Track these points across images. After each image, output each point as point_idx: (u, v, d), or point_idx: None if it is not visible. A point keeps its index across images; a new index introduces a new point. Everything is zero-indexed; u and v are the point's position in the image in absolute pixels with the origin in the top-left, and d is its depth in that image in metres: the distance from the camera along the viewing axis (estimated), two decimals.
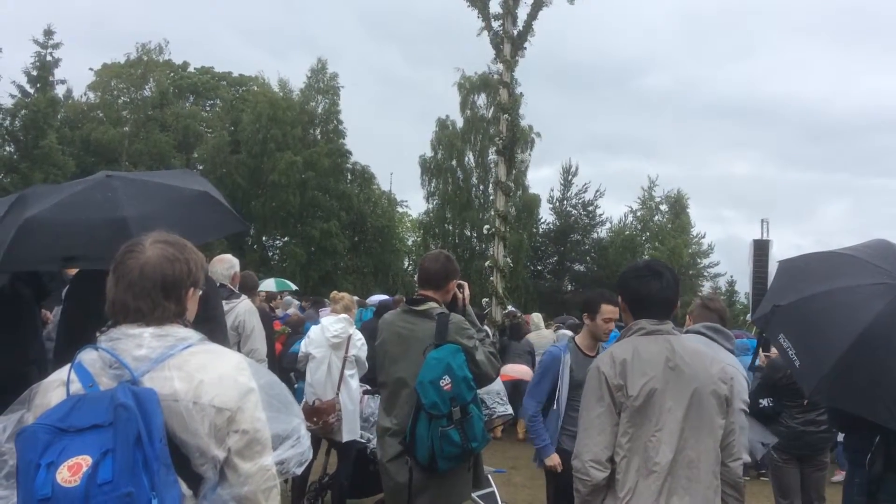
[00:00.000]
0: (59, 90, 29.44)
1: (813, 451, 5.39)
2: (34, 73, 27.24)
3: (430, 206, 34.86)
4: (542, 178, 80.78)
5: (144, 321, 1.69)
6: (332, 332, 5.76)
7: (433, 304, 3.50)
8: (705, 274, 37.04)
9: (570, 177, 34.64)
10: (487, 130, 31.43)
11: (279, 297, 14.10)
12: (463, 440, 3.25)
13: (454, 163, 34.28)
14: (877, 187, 57.16)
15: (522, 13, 12.40)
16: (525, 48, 12.50)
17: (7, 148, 27.61)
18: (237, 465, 1.66)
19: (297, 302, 14.05)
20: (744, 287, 32.27)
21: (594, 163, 65.76)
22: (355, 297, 8.51)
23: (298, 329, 8.60)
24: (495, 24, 12.49)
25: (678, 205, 36.58)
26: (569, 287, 34.71)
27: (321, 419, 5.53)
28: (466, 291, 3.72)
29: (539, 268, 35.22)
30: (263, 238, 34.17)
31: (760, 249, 11.10)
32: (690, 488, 2.52)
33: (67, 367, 1.66)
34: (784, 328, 3.05)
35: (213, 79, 38.79)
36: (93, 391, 1.59)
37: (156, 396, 1.57)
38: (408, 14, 59.98)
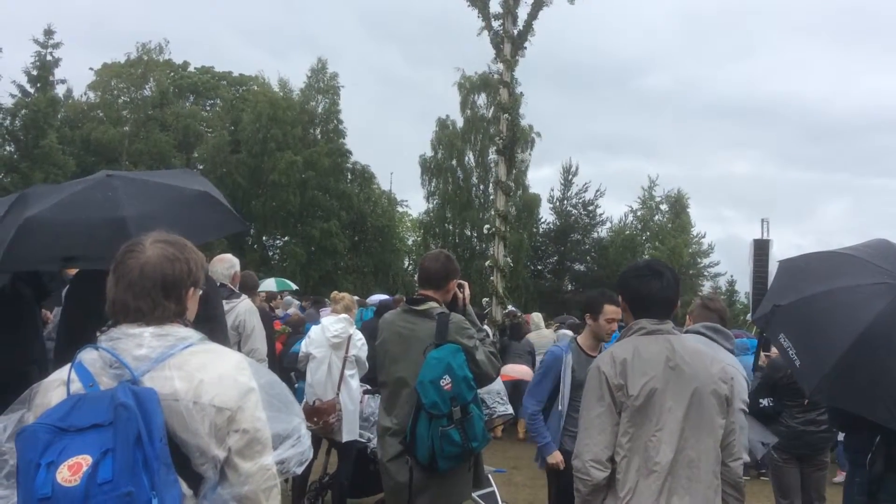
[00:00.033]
0: (60, 90, 29.46)
1: (813, 451, 5.39)
2: (34, 72, 27.22)
3: (431, 205, 34.89)
4: (542, 178, 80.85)
5: (145, 321, 1.69)
6: (333, 332, 5.76)
7: (433, 304, 3.50)
8: (705, 274, 37.06)
9: (570, 176, 34.65)
10: (487, 130, 31.41)
11: (279, 296, 14.10)
12: (463, 440, 3.25)
13: (454, 162, 34.28)
14: (877, 187, 57.19)
15: (523, 13, 12.41)
16: (525, 48, 12.50)
17: (7, 147, 27.61)
18: (237, 464, 1.66)
19: (297, 302, 14.05)
20: (744, 287, 32.29)
21: (594, 162, 65.89)
22: (356, 297, 8.52)
23: (299, 329, 8.59)
24: (495, 24, 12.48)
25: (678, 204, 36.58)
26: (569, 287, 34.70)
27: (321, 419, 5.53)
28: (467, 291, 3.72)
29: (539, 267, 35.21)
30: (264, 238, 34.17)
31: (761, 249, 11.10)
32: (691, 488, 2.52)
33: (68, 366, 1.66)
34: (784, 328, 3.05)
35: (213, 78, 38.79)
36: (93, 391, 1.59)
37: (156, 396, 1.57)
38: (408, 14, 60.03)
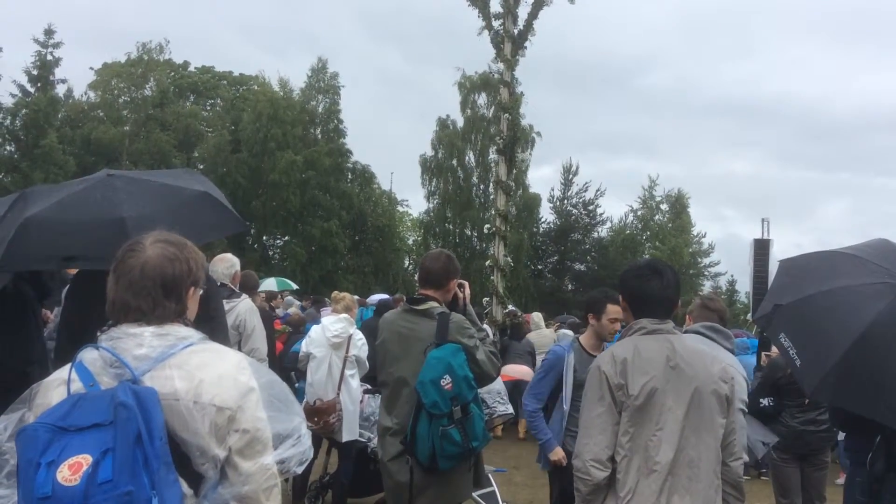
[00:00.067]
0: (60, 89, 29.50)
1: (813, 451, 5.38)
2: (35, 72, 27.27)
3: (431, 205, 34.91)
4: (542, 178, 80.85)
5: (145, 320, 1.69)
6: (333, 332, 5.76)
7: (434, 304, 3.50)
8: (706, 273, 37.10)
9: (570, 176, 34.66)
10: (488, 130, 31.40)
11: (280, 296, 14.10)
12: (464, 439, 3.25)
13: (455, 162, 34.29)
14: (877, 186, 57.27)
15: (523, 12, 12.38)
16: (526, 47, 12.47)
17: (7, 147, 27.64)
18: (238, 464, 1.66)
19: (297, 301, 14.05)
20: (744, 286, 32.32)
21: (594, 162, 65.94)
22: (356, 297, 8.52)
23: (299, 328, 8.60)
24: (496, 24, 12.47)
25: (678, 204, 36.61)
26: (569, 286, 34.70)
27: (322, 419, 5.53)
28: (467, 291, 3.71)
29: (539, 267, 35.21)
30: (264, 237, 34.18)
31: (761, 249, 11.11)
32: (691, 488, 2.52)
33: (68, 366, 1.66)
34: (785, 327, 3.05)
35: (213, 78, 38.81)
36: (93, 390, 1.59)
37: (156, 395, 1.57)
38: (408, 13, 60.07)
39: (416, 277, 6.61)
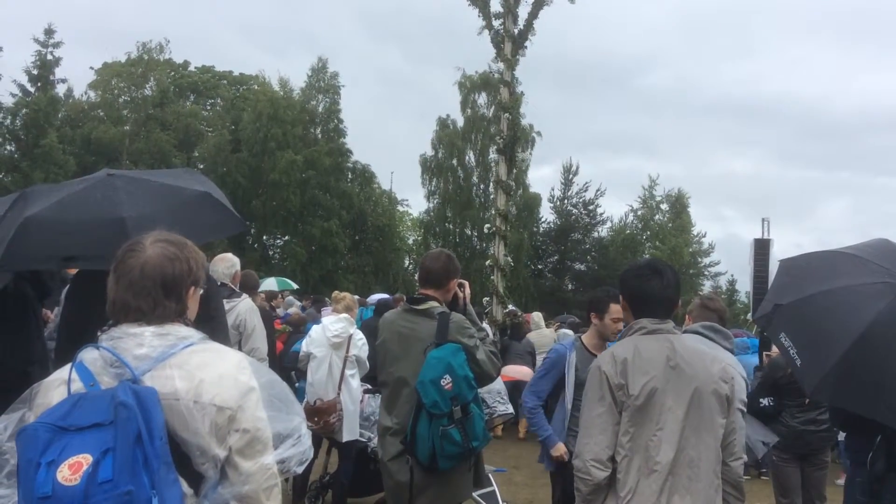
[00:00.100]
0: (60, 89, 29.52)
1: (813, 451, 5.38)
2: (35, 71, 27.27)
3: (431, 205, 34.91)
4: (542, 177, 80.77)
5: (145, 320, 1.69)
6: (333, 332, 5.76)
7: (434, 303, 3.50)
8: (706, 273, 37.10)
9: (570, 176, 34.66)
10: (488, 129, 31.38)
11: (280, 296, 14.10)
12: (464, 439, 3.25)
13: (455, 162, 34.28)
14: (877, 186, 57.29)
15: (523, 12, 12.37)
16: (526, 47, 12.46)
17: (8, 147, 27.64)
18: (238, 463, 1.66)
19: (298, 301, 14.05)
20: (744, 286, 32.33)
21: (595, 162, 65.95)
22: (356, 297, 8.52)
23: (299, 328, 8.60)
24: (496, 23, 12.45)
25: (679, 204, 36.61)
26: (569, 286, 34.70)
27: (322, 419, 5.53)
28: (467, 290, 3.71)
29: (540, 267, 35.21)
30: (264, 237, 34.18)
31: (761, 248, 11.10)
32: (691, 487, 2.52)
33: (69, 366, 1.66)
34: (785, 327, 3.05)
35: (213, 78, 38.81)
36: (94, 390, 1.59)
37: (156, 395, 1.57)
38: (408, 13, 60.02)
39: (416, 277, 6.61)
